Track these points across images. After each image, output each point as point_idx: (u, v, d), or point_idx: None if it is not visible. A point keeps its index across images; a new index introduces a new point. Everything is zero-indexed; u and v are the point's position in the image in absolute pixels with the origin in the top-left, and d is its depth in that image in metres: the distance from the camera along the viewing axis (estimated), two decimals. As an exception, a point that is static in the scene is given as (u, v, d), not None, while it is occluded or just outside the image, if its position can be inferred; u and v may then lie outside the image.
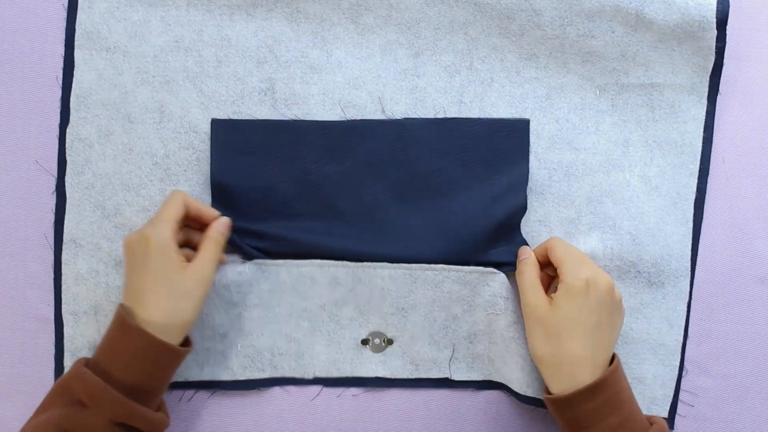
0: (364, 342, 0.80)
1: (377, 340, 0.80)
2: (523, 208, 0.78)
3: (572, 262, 0.72)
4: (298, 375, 0.80)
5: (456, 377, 0.80)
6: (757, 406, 0.81)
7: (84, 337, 0.79)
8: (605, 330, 0.71)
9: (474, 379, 0.80)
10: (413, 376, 0.80)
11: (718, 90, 0.79)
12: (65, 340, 0.80)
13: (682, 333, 0.80)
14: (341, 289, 0.79)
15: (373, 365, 0.80)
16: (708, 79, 0.79)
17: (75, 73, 0.79)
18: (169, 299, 0.69)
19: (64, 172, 0.79)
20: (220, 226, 0.74)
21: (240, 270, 0.78)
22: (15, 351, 0.80)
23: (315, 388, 0.81)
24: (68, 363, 0.79)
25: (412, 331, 0.79)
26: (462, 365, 0.80)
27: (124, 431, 0.67)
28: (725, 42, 0.77)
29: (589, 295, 0.70)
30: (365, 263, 0.78)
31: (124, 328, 0.68)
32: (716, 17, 0.76)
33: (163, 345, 0.68)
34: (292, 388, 0.81)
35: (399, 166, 0.79)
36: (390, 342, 0.80)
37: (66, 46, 0.79)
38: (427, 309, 0.79)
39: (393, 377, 0.80)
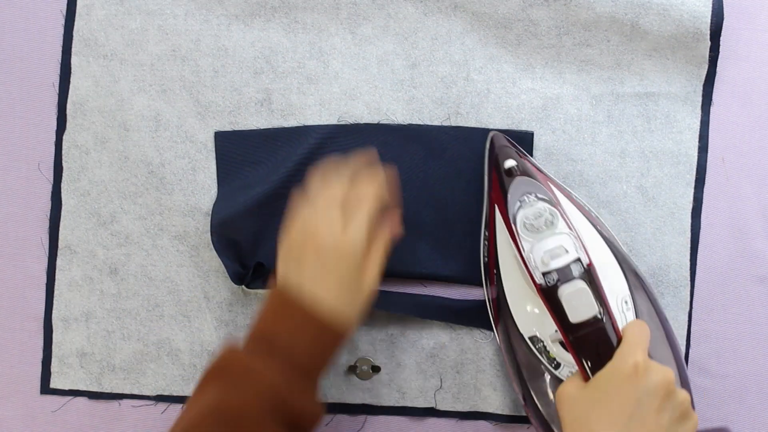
0: (352, 368, 0.79)
1: (365, 367, 0.79)
2: None
3: (629, 343, 0.63)
4: None
5: (441, 407, 0.79)
6: (757, 406, 0.80)
7: (73, 344, 0.79)
8: (647, 427, 0.60)
9: (459, 410, 0.79)
10: (399, 404, 0.79)
11: (711, 100, 0.79)
12: (53, 346, 0.80)
13: (684, 342, 0.79)
14: None
15: (360, 392, 0.79)
16: (701, 88, 0.79)
17: (72, 79, 0.79)
18: (346, 296, 0.67)
19: (61, 178, 0.79)
20: (394, 231, 0.72)
21: (234, 289, 0.78)
22: (15, 351, 0.80)
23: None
24: (56, 369, 0.80)
25: (400, 358, 0.79)
26: (448, 395, 0.79)
27: (282, 415, 0.64)
28: (718, 52, 0.78)
29: (636, 382, 0.60)
30: None
31: (288, 307, 0.66)
32: (710, 29, 0.76)
33: (329, 325, 0.66)
34: None
35: (400, 171, 0.78)
36: (377, 369, 0.79)
37: (63, 52, 0.79)
38: (415, 336, 0.79)
39: (379, 405, 0.79)
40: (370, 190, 0.69)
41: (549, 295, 0.64)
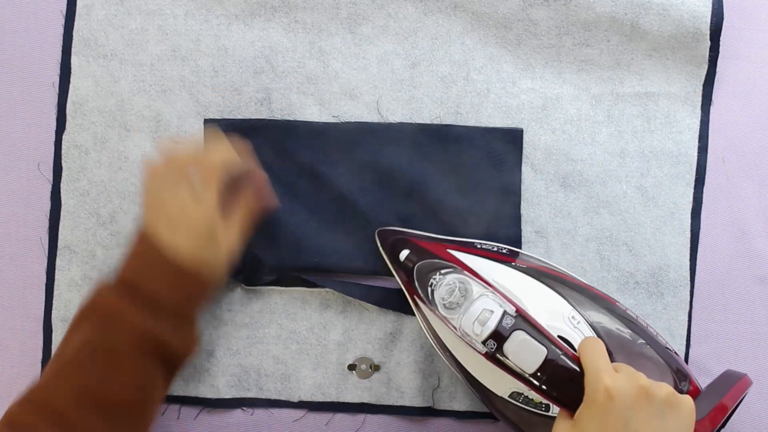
0: (351, 367, 0.79)
1: (364, 366, 0.79)
2: (516, 218, 0.78)
3: (592, 370, 0.62)
4: (283, 397, 0.79)
5: (439, 406, 0.79)
6: (757, 406, 0.80)
7: (72, 343, 0.79)
8: None
9: (456, 409, 0.79)
10: (398, 404, 0.79)
11: (711, 100, 0.80)
12: (53, 346, 0.79)
13: (684, 342, 0.79)
14: (330, 311, 0.79)
15: (358, 391, 0.79)
16: (701, 88, 0.79)
17: (72, 79, 0.79)
18: (202, 253, 0.70)
19: (60, 178, 0.79)
20: (264, 200, 0.76)
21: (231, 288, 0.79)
22: (15, 351, 0.80)
23: (299, 412, 0.80)
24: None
25: (399, 357, 0.79)
26: (446, 394, 0.79)
27: (152, 349, 0.68)
28: (718, 52, 0.78)
29: (614, 405, 0.60)
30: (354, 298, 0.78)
31: (150, 254, 0.69)
32: (710, 29, 0.76)
33: (188, 272, 0.69)
34: (276, 411, 0.80)
35: (392, 171, 0.78)
36: (377, 368, 0.79)
37: (63, 52, 0.79)
38: (414, 335, 0.79)
39: (378, 404, 0.79)
40: (216, 158, 0.72)
41: (498, 358, 0.64)
